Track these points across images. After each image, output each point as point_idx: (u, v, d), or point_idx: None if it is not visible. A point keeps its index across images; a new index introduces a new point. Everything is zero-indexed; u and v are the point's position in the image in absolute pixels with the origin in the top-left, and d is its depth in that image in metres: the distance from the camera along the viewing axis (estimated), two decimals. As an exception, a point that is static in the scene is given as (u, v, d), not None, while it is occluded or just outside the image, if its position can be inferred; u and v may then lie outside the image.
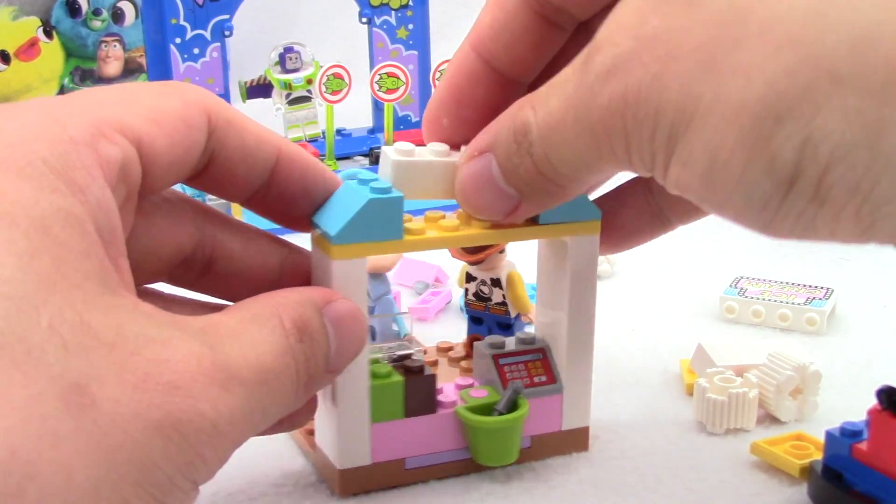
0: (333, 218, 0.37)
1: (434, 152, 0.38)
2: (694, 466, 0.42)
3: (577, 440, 0.43)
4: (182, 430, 0.25)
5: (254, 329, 0.28)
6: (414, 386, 0.40)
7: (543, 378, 0.42)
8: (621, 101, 0.29)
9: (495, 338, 0.43)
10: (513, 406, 0.40)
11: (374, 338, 0.49)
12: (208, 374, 0.26)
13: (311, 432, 0.41)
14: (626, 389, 0.49)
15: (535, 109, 0.33)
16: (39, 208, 0.24)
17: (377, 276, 0.50)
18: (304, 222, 0.37)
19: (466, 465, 0.41)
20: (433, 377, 0.40)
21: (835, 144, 0.26)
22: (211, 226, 0.35)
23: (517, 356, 0.42)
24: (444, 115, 0.39)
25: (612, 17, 0.30)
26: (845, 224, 0.27)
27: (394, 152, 0.38)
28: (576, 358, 0.42)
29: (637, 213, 0.41)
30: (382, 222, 0.37)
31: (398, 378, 0.39)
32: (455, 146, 0.38)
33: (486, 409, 0.40)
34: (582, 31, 0.38)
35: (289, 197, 0.36)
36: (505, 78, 0.38)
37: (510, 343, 0.43)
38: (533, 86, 0.38)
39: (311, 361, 0.30)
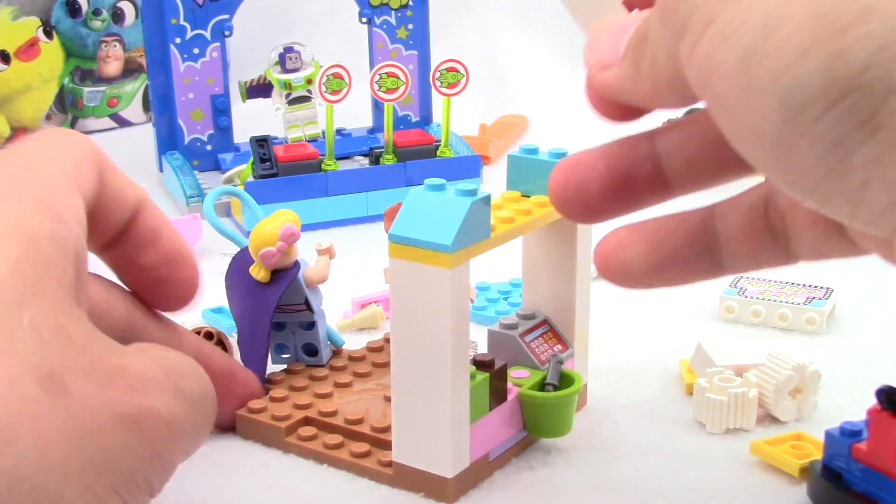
0: (431, 229, 0.37)
1: None
2: (693, 466, 0.42)
3: (580, 399, 0.46)
4: (142, 425, 0.28)
5: (185, 361, 0.32)
6: (495, 380, 0.41)
7: (559, 347, 0.45)
8: None
9: (505, 319, 0.45)
10: (562, 377, 0.43)
11: (315, 353, 0.49)
12: (162, 384, 0.29)
13: (363, 454, 0.42)
14: (626, 389, 0.49)
15: None
16: (31, 226, 0.29)
17: (314, 288, 0.50)
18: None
19: (523, 444, 0.43)
20: (505, 367, 0.42)
21: None
22: (137, 311, 0.38)
23: (534, 331, 0.44)
24: None
25: None
26: (885, 179, 0.22)
27: None
28: (582, 322, 0.45)
29: (686, 239, 0.33)
30: (478, 223, 0.38)
31: (484, 375, 0.40)
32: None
33: (539, 386, 0.42)
34: None
35: (139, 248, 0.37)
36: None
37: (518, 321, 0.45)
38: None
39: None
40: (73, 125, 1.01)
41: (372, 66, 0.85)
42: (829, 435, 0.38)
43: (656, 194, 0.32)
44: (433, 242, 0.37)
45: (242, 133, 0.83)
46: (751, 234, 0.33)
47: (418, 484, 0.40)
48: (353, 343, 0.52)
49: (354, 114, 0.85)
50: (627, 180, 0.31)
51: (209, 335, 0.50)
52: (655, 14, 0.26)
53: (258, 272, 0.47)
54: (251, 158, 0.75)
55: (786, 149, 0.23)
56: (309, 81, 0.81)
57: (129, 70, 1.04)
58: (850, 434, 0.37)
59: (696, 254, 0.33)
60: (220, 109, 0.83)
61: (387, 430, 0.42)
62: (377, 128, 0.86)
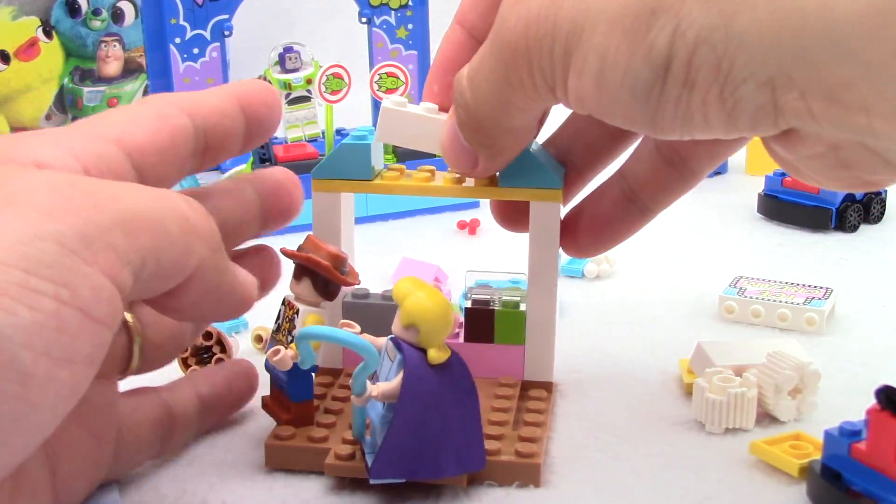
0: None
1: (425, 108, 0.43)
2: (693, 466, 0.42)
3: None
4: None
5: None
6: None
7: None
8: (524, 24, 0.35)
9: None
10: None
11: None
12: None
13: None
14: (625, 389, 0.49)
15: (461, 75, 0.39)
16: None
17: None
18: None
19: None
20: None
21: (699, 28, 0.30)
22: None
23: None
24: (434, 82, 0.43)
25: None
26: (713, 108, 0.31)
27: (387, 101, 0.43)
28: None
29: (613, 203, 0.45)
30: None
31: None
32: (445, 109, 0.43)
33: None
34: None
35: None
36: None
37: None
38: None
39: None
40: (72, 125, 1.01)
41: (372, 65, 0.85)
42: (828, 435, 0.38)
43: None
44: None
45: (242, 133, 0.83)
46: (656, 171, 0.44)
47: None
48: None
49: (354, 114, 0.85)
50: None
51: (208, 335, 0.50)
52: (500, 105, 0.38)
53: (442, 354, 0.38)
54: (251, 158, 0.75)
55: (651, 118, 0.33)
56: (308, 81, 0.81)
57: (129, 70, 1.04)
58: (849, 434, 0.37)
59: (623, 210, 0.45)
60: (220, 109, 0.83)
61: None
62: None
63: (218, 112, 0.38)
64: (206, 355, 0.50)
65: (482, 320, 0.47)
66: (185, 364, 0.50)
